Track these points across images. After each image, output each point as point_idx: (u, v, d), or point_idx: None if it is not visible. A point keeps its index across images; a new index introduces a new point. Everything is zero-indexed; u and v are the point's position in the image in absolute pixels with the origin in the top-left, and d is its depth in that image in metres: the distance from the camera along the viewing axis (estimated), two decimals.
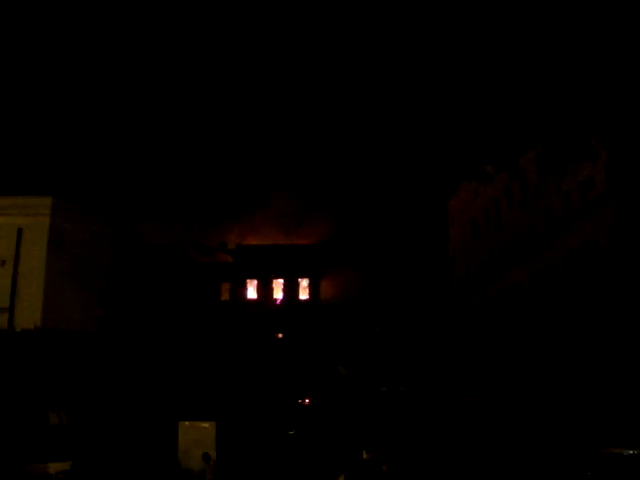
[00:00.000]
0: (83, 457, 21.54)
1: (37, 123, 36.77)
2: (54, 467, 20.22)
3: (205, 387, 27.88)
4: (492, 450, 20.03)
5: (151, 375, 27.52)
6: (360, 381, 31.87)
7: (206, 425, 24.24)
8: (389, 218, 44.88)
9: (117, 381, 26.08)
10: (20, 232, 29.80)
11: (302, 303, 46.18)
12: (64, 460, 20.71)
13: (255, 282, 46.75)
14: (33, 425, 21.93)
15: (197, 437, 23.70)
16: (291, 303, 45.93)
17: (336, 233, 46.64)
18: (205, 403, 26.01)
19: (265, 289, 46.51)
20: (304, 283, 46.76)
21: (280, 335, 43.36)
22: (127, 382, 26.39)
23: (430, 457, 20.99)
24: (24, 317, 28.49)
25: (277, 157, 47.00)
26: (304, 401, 30.07)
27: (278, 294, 46.64)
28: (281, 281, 46.78)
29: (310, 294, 46.33)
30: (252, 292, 46.75)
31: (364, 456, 22.37)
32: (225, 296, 45.86)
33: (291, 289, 46.43)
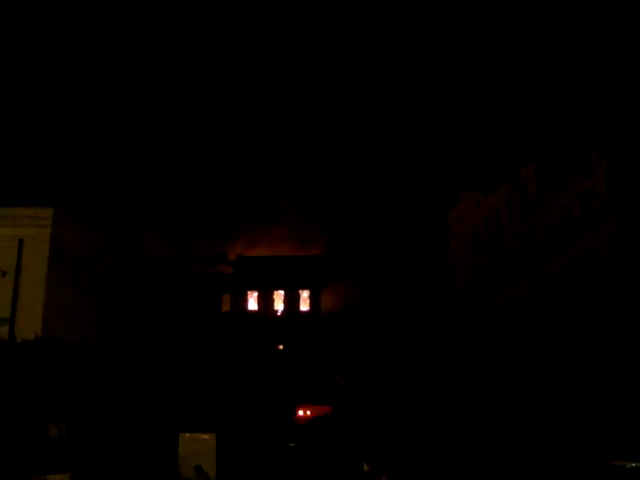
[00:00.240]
0: (83, 469, 21.43)
1: (38, 133, 36.89)
2: (53, 479, 20.11)
3: (205, 398, 27.79)
4: (494, 462, 19.92)
5: (151, 386, 27.43)
6: (361, 392, 31.76)
7: (206, 437, 24.11)
8: (390, 230, 44.92)
9: (117, 392, 25.99)
10: (21, 243, 29.80)
11: (303, 314, 46.16)
12: (63, 472, 20.58)
13: (256, 293, 46.77)
14: (32, 436, 21.84)
15: (197, 449, 23.58)
16: (292, 314, 45.92)
17: (337, 245, 46.69)
18: (205, 415, 25.91)
19: (266, 300, 46.51)
20: (305, 294, 46.77)
21: (281, 346, 43.31)
22: (127, 393, 26.30)
23: (431, 469, 20.87)
24: (25, 327, 28.44)
25: (279, 170, 47.12)
26: (305, 413, 29.95)
27: (279, 305, 46.63)
28: (282, 292, 46.79)
29: (311, 305, 46.33)
30: (253, 303, 46.76)
31: (365, 468, 22.25)
32: (226, 307, 45.89)
33: (292, 300, 46.42)
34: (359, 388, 32.90)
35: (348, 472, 22.83)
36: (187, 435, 24.14)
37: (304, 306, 46.50)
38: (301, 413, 29.80)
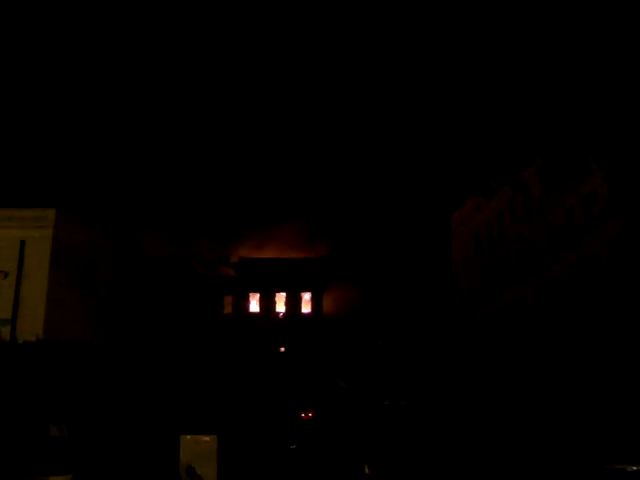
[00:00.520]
0: (84, 471, 21.43)
1: (39, 134, 36.94)
2: None
3: (207, 400, 27.80)
4: (495, 465, 19.90)
5: (153, 388, 27.45)
6: (362, 395, 31.76)
7: (208, 439, 24.09)
8: (392, 232, 44.89)
9: (119, 394, 26.00)
10: (23, 244, 29.84)
11: (304, 317, 46.14)
12: (65, 473, 20.58)
13: (257, 295, 46.75)
14: (34, 437, 21.85)
15: (198, 451, 23.56)
16: (293, 317, 45.89)
17: (339, 247, 46.66)
18: (207, 416, 25.92)
19: (267, 303, 46.50)
20: (306, 297, 46.73)
21: (282, 349, 43.30)
22: (129, 395, 26.31)
23: (432, 472, 20.86)
24: (26, 329, 28.45)
25: (281, 172, 47.11)
26: (306, 415, 29.95)
27: (280, 308, 46.60)
28: (283, 295, 46.76)
29: (312, 308, 46.29)
30: (254, 305, 46.72)
31: (366, 471, 22.25)
32: (228, 309, 45.87)
33: (293, 303, 46.41)
34: (361, 391, 32.89)
35: (349, 474, 22.83)
36: (188, 437, 24.10)
37: (306, 308, 46.47)
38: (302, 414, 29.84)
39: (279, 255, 46.91)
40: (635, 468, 15.94)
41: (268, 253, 46.80)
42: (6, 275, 29.16)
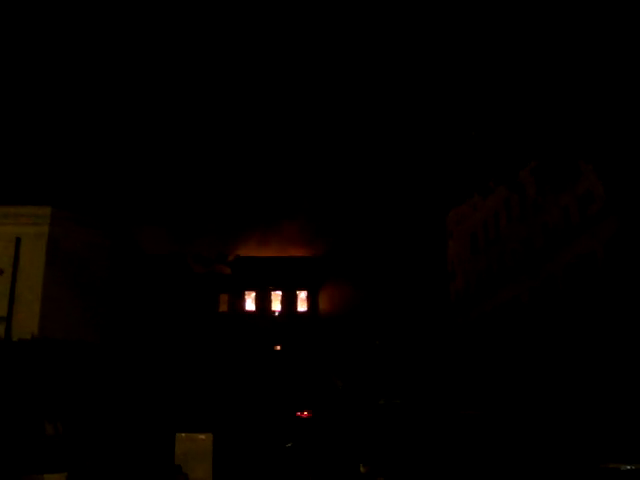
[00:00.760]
0: (79, 469, 21.41)
1: (36, 131, 36.84)
2: (49, 478, 20.07)
3: (202, 398, 27.79)
4: (491, 464, 19.94)
5: (148, 386, 27.43)
6: (358, 394, 31.77)
7: (203, 437, 24.09)
8: (388, 231, 44.89)
9: (114, 392, 25.98)
10: (19, 241, 29.76)
11: (300, 315, 46.09)
12: (60, 471, 20.57)
13: (253, 294, 46.67)
14: (29, 435, 21.81)
15: (194, 449, 23.56)
16: (289, 315, 45.85)
17: (335, 245, 46.63)
18: (202, 415, 25.91)
19: (263, 301, 46.42)
20: (302, 295, 46.67)
21: (278, 347, 43.27)
22: (124, 393, 26.29)
23: (428, 471, 20.88)
24: (22, 327, 28.40)
25: (277, 171, 47.09)
26: (302, 414, 29.95)
27: (276, 306, 46.54)
28: (279, 293, 46.70)
29: (308, 306, 46.24)
30: (250, 304, 46.64)
31: (361, 469, 22.26)
32: (223, 307, 45.77)
33: (289, 301, 46.35)
34: (356, 389, 32.90)
35: (345, 473, 22.85)
36: (183, 435, 24.11)
37: (302, 307, 46.41)
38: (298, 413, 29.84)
39: (278, 254, 46.88)
40: (630, 467, 15.98)
41: (267, 252, 46.76)
42: (1, 272, 29.09)
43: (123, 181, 40.30)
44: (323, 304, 46.09)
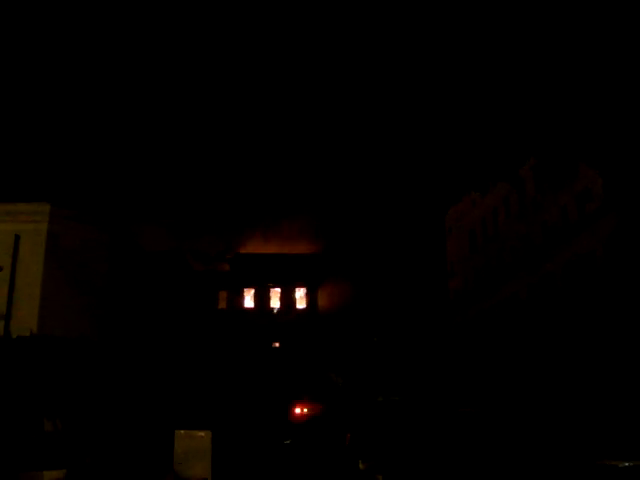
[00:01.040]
0: (78, 465, 21.43)
1: (36, 130, 36.85)
2: (48, 475, 20.07)
3: (201, 396, 27.80)
4: (488, 461, 19.98)
5: (147, 383, 27.44)
6: (356, 391, 31.81)
7: (202, 434, 24.12)
8: (387, 228, 44.96)
9: (113, 388, 25.99)
10: (17, 238, 29.74)
11: (299, 312, 46.15)
12: (59, 468, 20.59)
13: (252, 291, 46.73)
14: (28, 432, 21.82)
15: (193, 446, 23.58)
16: (288, 312, 45.91)
17: (334, 243, 46.71)
18: (201, 412, 25.93)
19: (262, 298, 46.48)
20: (301, 292, 46.75)
21: (277, 344, 43.33)
22: (123, 390, 26.30)
23: (426, 468, 20.92)
24: (20, 323, 28.39)
25: (277, 169, 47.16)
26: (301, 410, 29.98)
27: (275, 303, 46.61)
28: (278, 290, 46.78)
29: (307, 303, 46.31)
30: (249, 301, 46.72)
31: (360, 466, 22.29)
32: (222, 304, 45.85)
33: (288, 298, 46.42)
34: (355, 386, 32.95)
35: (343, 470, 22.88)
36: (182, 432, 24.14)
37: (300, 304, 46.49)
38: (298, 411, 29.83)
39: (278, 251, 46.95)
40: (627, 464, 16.00)
41: (267, 249, 46.85)
42: (0, 269, 29.08)
43: (122, 179, 40.36)
44: (322, 301, 46.16)
